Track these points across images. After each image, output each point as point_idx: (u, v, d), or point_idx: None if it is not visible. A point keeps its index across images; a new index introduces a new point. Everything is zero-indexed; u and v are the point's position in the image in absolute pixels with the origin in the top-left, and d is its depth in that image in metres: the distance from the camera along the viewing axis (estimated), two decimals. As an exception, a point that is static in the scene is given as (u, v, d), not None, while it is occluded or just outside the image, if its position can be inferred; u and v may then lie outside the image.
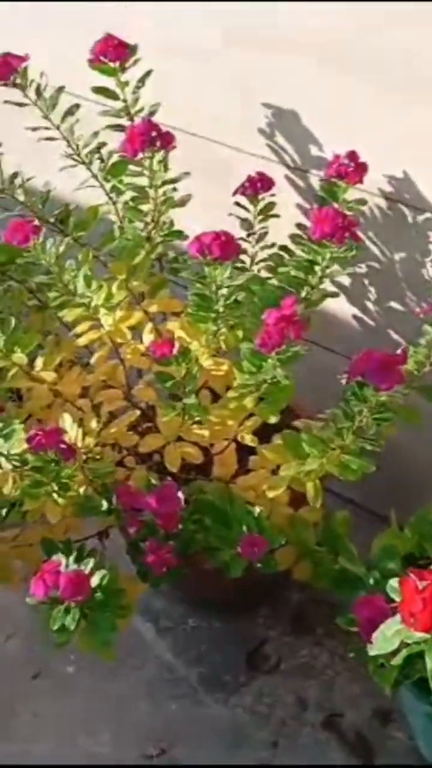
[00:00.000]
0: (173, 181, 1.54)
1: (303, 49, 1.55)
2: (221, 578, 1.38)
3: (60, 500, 1.27)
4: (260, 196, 1.61)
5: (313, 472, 1.33)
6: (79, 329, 1.44)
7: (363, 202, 1.56)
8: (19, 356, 1.38)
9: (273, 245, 1.61)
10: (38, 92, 1.56)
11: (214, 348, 1.40)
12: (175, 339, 1.38)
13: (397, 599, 1.10)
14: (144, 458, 1.50)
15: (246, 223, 1.62)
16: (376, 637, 1.10)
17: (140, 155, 1.46)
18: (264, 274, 1.59)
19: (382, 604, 1.25)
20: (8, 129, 1.58)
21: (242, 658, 1.66)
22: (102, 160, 1.57)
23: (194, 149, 1.66)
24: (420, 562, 1.44)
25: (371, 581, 1.32)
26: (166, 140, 1.45)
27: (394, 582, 1.11)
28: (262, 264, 1.60)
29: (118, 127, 1.58)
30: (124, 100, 1.58)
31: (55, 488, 1.26)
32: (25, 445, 1.23)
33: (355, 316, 1.69)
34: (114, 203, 1.59)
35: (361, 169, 1.52)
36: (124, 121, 1.58)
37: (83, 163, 1.58)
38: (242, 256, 1.55)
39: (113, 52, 1.56)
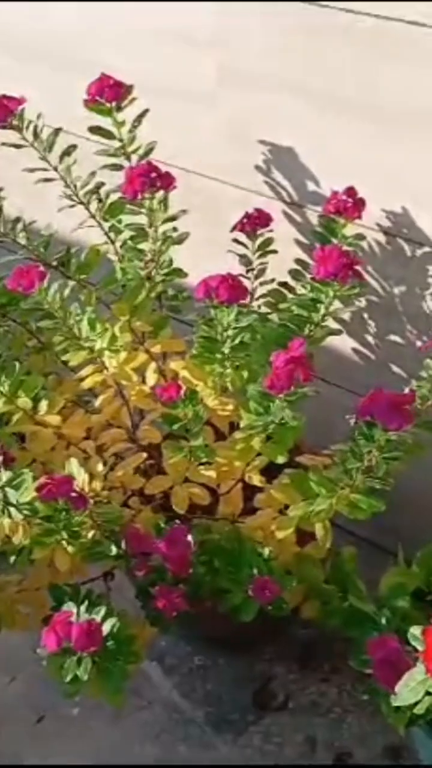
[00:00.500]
0: (172, 219, 1.54)
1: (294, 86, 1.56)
2: (226, 616, 1.37)
3: (70, 548, 1.26)
4: (258, 232, 1.61)
5: (322, 512, 1.32)
6: (83, 372, 1.43)
7: (362, 237, 1.56)
8: (24, 401, 1.37)
9: (273, 281, 1.61)
10: (35, 134, 1.55)
11: (220, 388, 1.39)
12: (180, 381, 1.37)
13: (420, 648, 1.09)
14: (149, 498, 1.49)
15: (245, 259, 1.62)
16: (401, 688, 1.09)
17: (140, 196, 1.45)
18: (264, 309, 1.59)
19: (395, 644, 1.24)
20: (7, 169, 1.58)
21: (249, 697, 1.65)
22: (100, 200, 1.56)
23: (188, 185, 1.67)
24: (429, 598, 1.44)
25: (383, 621, 1.31)
26: (167, 182, 1.45)
27: (416, 630, 1.10)
28: (261, 300, 1.61)
29: (115, 167, 1.58)
30: (121, 140, 1.58)
31: (65, 536, 1.25)
32: (35, 493, 1.22)
33: (355, 350, 1.69)
34: (112, 242, 1.59)
35: (360, 204, 1.52)
36: (122, 161, 1.58)
37: (81, 203, 1.57)
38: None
39: (109, 92, 1.56)
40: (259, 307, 1.59)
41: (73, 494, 1.22)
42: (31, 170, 1.54)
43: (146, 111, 1.57)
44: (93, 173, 1.57)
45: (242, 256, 1.62)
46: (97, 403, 1.47)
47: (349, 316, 1.65)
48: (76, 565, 1.41)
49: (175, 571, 1.31)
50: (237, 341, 1.37)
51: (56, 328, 1.40)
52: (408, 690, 1.08)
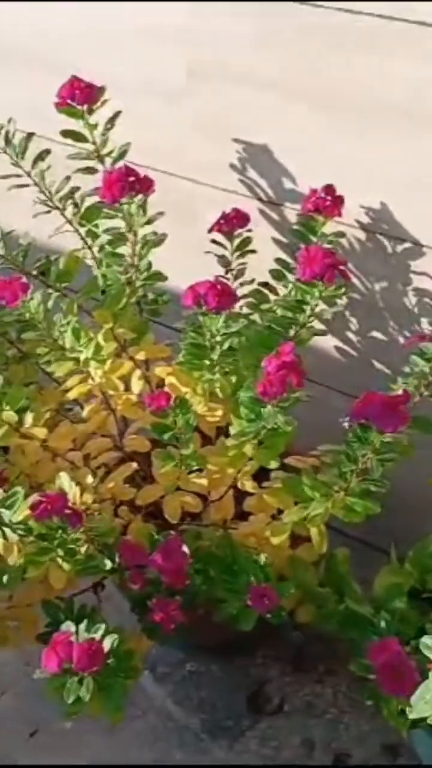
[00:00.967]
0: (149, 221, 1.51)
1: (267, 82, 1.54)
2: (220, 623, 1.35)
3: (65, 565, 1.23)
4: (236, 232, 1.59)
5: (318, 517, 1.31)
6: (69, 383, 1.40)
7: (341, 234, 1.55)
8: (10, 414, 1.34)
9: (253, 281, 1.59)
10: (7, 139, 1.52)
11: (208, 395, 1.37)
12: (167, 387, 1.35)
13: (432, 658, 1.08)
14: (139, 507, 1.47)
15: (223, 260, 1.60)
16: (416, 700, 1.08)
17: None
18: (245, 310, 1.57)
19: (397, 648, 1.23)
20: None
21: (244, 702, 1.63)
22: (76, 205, 1.53)
23: (163, 187, 1.64)
24: (424, 596, 1.43)
25: (382, 624, 1.30)
26: (146, 185, 1.42)
27: (428, 640, 1.09)
28: (243, 301, 1.58)
29: (89, 170, 1.55)
30: (94, 143, 1.55)
31: (61, 554, 1.23)
32: (28, 512, 1.19)
33: (338, 348, 1.68)
34: (90, 247, 1.56)
35: (339, 202, 1.51)
36: (95, 164, 1.55)
37: (57, 208, 1.54)
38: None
39: (80, 95, 1.53)
40: (240, 308, 1.57)
41: (68, 511, 1.19)
42: (5, 177, 1.50)
43: (119, 113, 1.55)
44: (68, 178, 1.54)
45: (221, 257, 1.60)
46: (84, 413, 1.44)
47: (331, 314, 1.64)
48: (69, 580, 1.38)
49: (172, 583, 1.29)
50: (225, 346, 1.34)
51: (40, 339, 1.37)
52: (423, 703, 1.06)
